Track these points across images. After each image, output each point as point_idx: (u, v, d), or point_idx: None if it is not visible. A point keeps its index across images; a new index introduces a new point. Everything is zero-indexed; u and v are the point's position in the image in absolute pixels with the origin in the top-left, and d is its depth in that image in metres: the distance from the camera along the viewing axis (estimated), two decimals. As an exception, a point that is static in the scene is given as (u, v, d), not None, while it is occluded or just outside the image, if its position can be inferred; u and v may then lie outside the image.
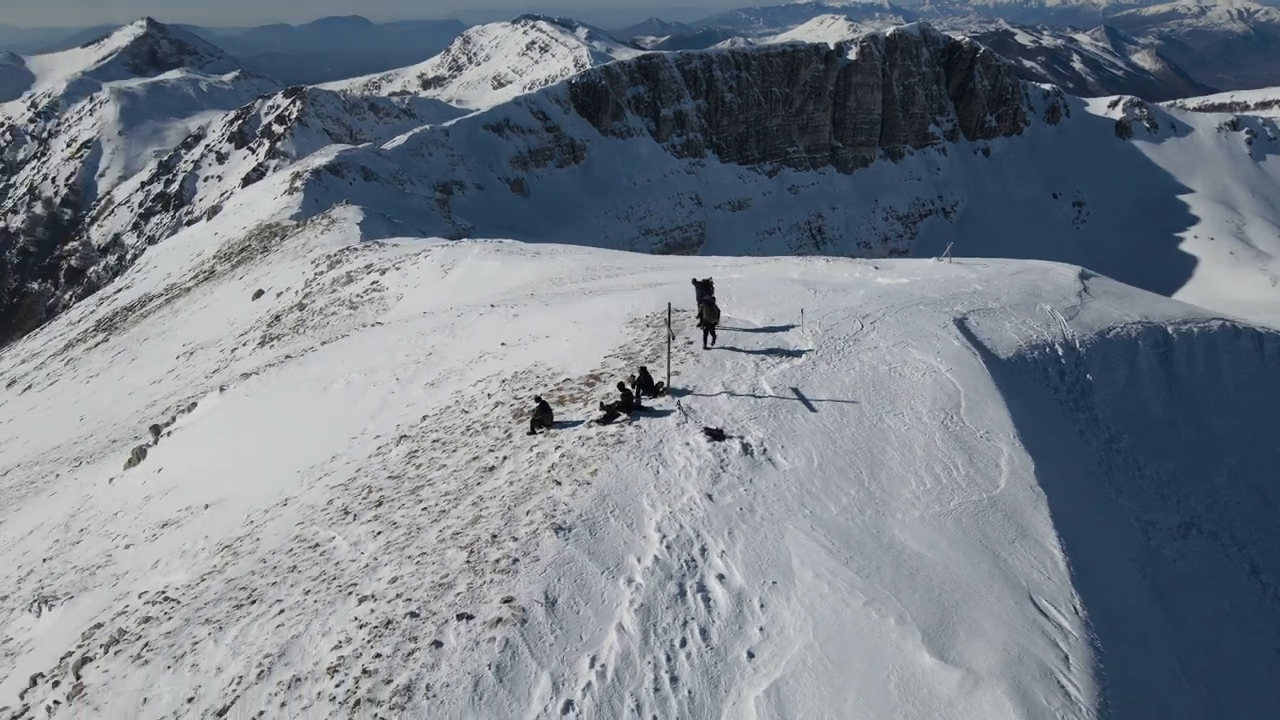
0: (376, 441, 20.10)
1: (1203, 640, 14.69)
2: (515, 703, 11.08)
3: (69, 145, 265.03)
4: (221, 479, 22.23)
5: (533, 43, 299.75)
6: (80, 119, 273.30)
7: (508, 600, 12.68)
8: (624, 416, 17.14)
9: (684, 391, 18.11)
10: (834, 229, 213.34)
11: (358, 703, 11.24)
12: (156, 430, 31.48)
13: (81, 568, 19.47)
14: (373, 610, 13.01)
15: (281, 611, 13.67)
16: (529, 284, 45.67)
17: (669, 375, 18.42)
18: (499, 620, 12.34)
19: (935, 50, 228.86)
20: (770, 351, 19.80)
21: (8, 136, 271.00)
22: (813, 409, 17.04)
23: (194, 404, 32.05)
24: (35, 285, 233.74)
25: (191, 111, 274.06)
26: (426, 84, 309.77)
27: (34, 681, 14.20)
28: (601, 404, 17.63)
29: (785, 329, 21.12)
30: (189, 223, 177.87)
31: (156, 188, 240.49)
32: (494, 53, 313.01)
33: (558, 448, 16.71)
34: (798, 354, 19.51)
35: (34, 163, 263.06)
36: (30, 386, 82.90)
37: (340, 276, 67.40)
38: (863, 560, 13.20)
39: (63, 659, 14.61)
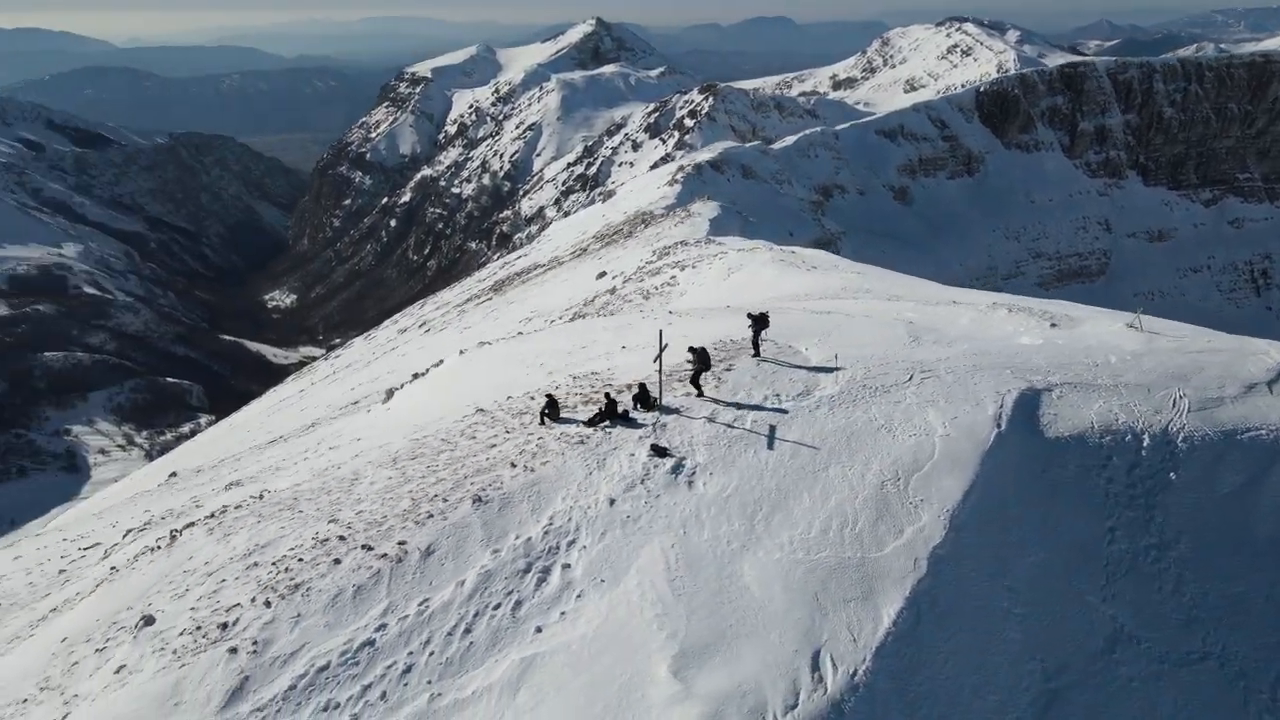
0: (465, 410, 23.31)
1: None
2: (353, 616, 14.01)
3: (518, 127, 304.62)
4: (396, 421, 25.73)
5: (954, 46, 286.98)
6: (530, 105, 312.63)
7: (401, 543, 15.55)
8: (607, 422, 19.04)
9: (673, 411, 19.36)
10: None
11: (267, 587, 15.03)
12: (415, 376, 36.71)
13: (274, 466, 24.20)
14: (330, 530, 16.71)
15: (293, 519, 17.86)
16: (795, 294, 45.15)
17: (660, 394, 19.80)
18: (384, 555, 15.29)
19: None
20: (788, 388, 20.13)
21: (473, 117, 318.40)
22: (770, 447, 17.66)
23: (440, 361, 36.55)
24: (473, 245, 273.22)
25: (618, 103, 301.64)
26: (837, 85, 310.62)
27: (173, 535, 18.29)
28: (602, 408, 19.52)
29: (829, 370, 21.21)
30: (593, 203, 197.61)
31: (579, 169, 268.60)
32: (911, 55, 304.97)
33: (541, 438, 19.04)
34: (809, 394, 19.71)
35: (489, 140, 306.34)
36: (429, 330, 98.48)
37: (655, 267, 71.47)
38: (690, 583, 14.25)
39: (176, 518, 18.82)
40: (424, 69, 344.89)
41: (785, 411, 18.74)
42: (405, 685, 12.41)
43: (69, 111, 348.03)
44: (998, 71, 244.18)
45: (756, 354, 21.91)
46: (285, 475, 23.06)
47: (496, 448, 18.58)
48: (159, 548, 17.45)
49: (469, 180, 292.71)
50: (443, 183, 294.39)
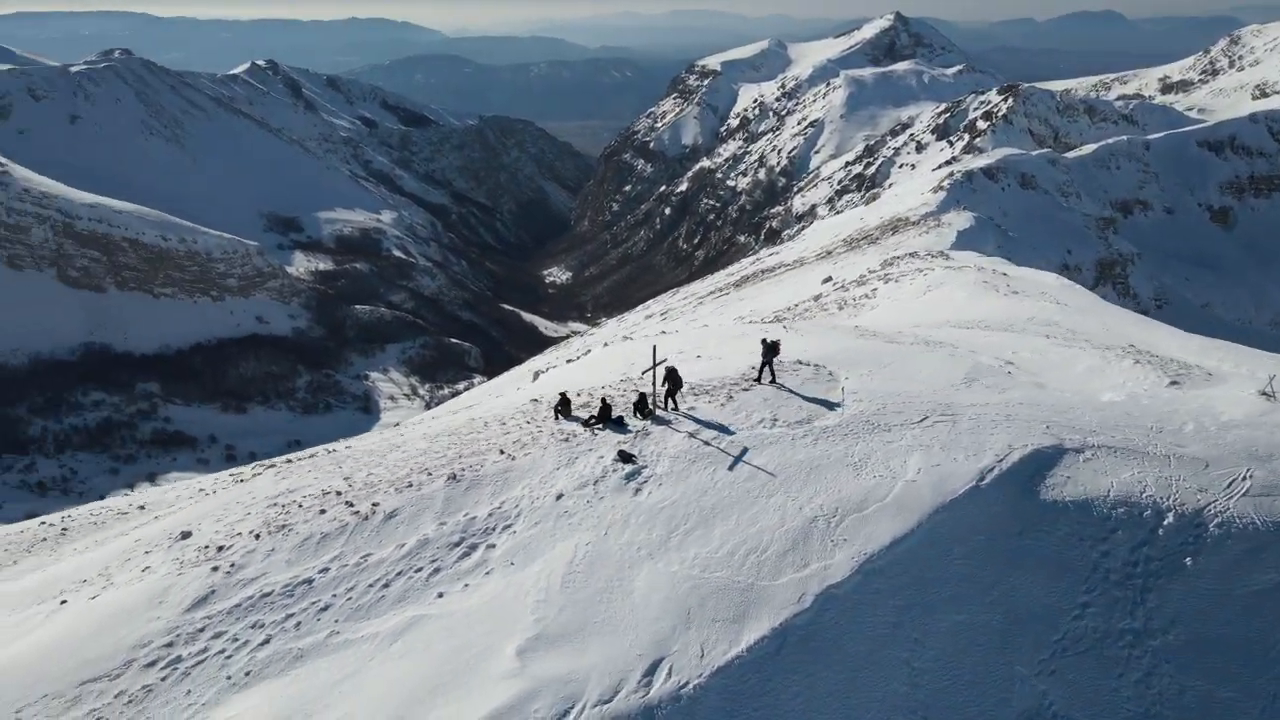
0: (524, 400, 26.42)
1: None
2: (310, 558, 16.79)
3: (799, 123, 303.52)
4: (494, 402, 29.06)
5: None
6: (814, 100, 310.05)
7: (375, 505, 18.14)
8: (600, 424, 20.45)
9: (663, 422, 20.41)
10: None
11: (266, 523, 18.43)
12: (569, 360, 39.91)
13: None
14: (337, 485, 19.79)
15: (326, 472, 21.53)
16: (980, 319, 43.53)
17: (653, 404, 21.06)
18: (357, 513, 17.87)
19: None
20: (790, 415, 20.48)
21: (755, 111, 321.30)
22: (730, 468, 18.25)
23: (589, 350, 39.35)
24: (742, 238, 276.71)
25: (908, 101, 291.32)
26: (1167, 89, 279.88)
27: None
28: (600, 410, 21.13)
29: (841, 403, 21.31)
30: (868, 203, 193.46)
31: (856, 169, 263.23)
32: (1265, 57, 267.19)
33: (540, 430, 20.84)
34: (807, 423, 19.95)
35: (769, 135, 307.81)
36: (665, 318, 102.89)
37: (869, 277, 70.58)
38: (583, 579, 15.42)
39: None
40: (714, 62, 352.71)
41: (767, 436, 19.20)
42: (318, 620, 14.89)
43: (400, 94, 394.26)
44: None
45: (766, 378, 22.46)
46: (386, 438, 26.80)
47: (507, 435, 20.72)
48: (240, 481, 21.51)
49: (744, 174, 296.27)
50: (719, 175, 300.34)
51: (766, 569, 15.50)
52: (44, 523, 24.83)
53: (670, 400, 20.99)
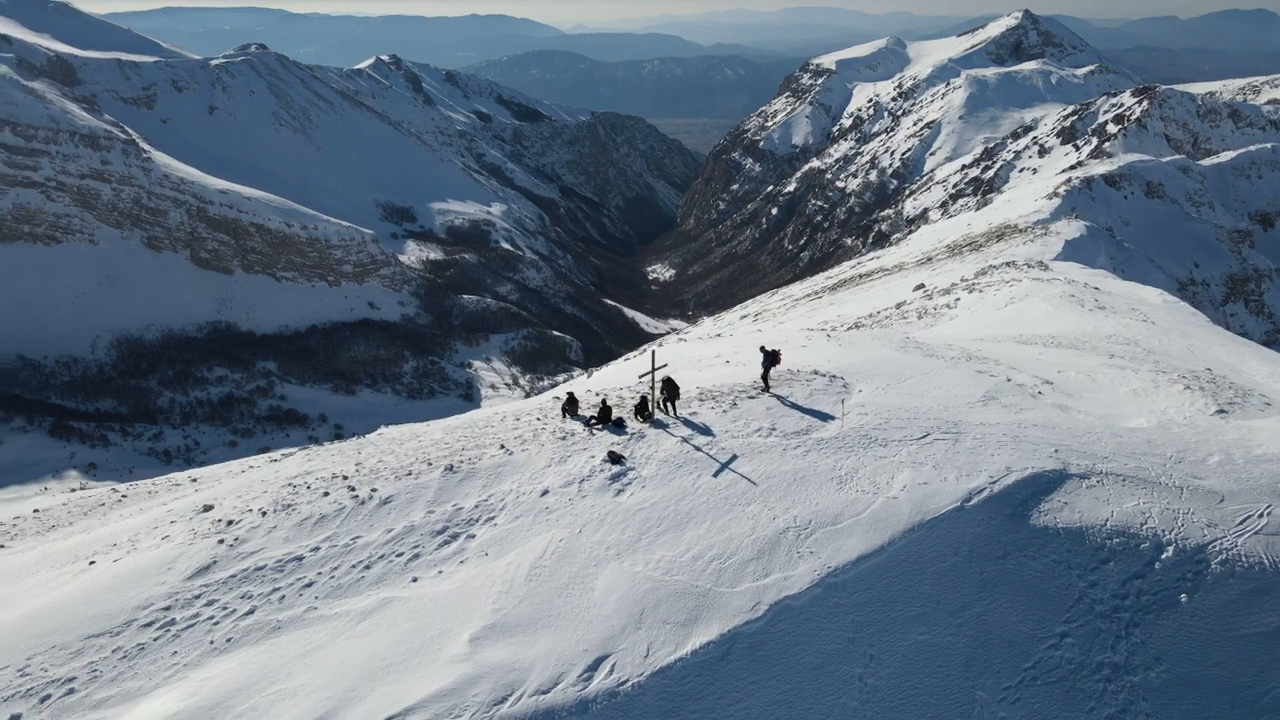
0: (553, 396, 27.34)
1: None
2: (305, 537, 17.92)
3: (915, 124, 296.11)
4: (536, 398, 30.21)
5: None
6: (932, 101, 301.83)
7: (374, 490, 19.18)
8: (599, 424, 21.02)
9: (661, 425, 20.79)
10: None
11: (275, 502, 19.79)
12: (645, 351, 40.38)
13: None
14: (347, 469, 21.01)
15: (346, 455, 22.93)
16: (1052, 335, 42.40)
17: (653, 408, 21.49)
18: (356, 496, 18.98)
19: None
20: (789, 425, 20.54)
21: (870, 111, 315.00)
22: (715, 475, 18.47)
23: (661, 344, 40.09)
24: (849, 241, 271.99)
25: (1033, 103, 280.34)
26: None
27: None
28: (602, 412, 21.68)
29: (844, 415, 21.17)
30: (979, 208, 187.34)
31: (973, 172, 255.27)
32: None
33: (543, 428, 21.49)
34: (804, 434, 19.97)
35: (882, 136, 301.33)
36: (757, 319, 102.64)
37: (956, 286, 69.04)
38: (548, 574, 15.95)
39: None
40: (829, 61, 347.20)
41: (760, 445, 19.29)
42: (300, 595, 15.88)
43: (515, 89, 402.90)
44: None
45: (766, 389, 22.61)
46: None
47: (514, 430, 21.44)
48: (273, 461, 22.97)
49: (855, 175, 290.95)
50: (828, 175, 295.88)
51: (727, 576, 15.69)
52: (114, 490, 27.03)
53: (670, 406, 21.32)
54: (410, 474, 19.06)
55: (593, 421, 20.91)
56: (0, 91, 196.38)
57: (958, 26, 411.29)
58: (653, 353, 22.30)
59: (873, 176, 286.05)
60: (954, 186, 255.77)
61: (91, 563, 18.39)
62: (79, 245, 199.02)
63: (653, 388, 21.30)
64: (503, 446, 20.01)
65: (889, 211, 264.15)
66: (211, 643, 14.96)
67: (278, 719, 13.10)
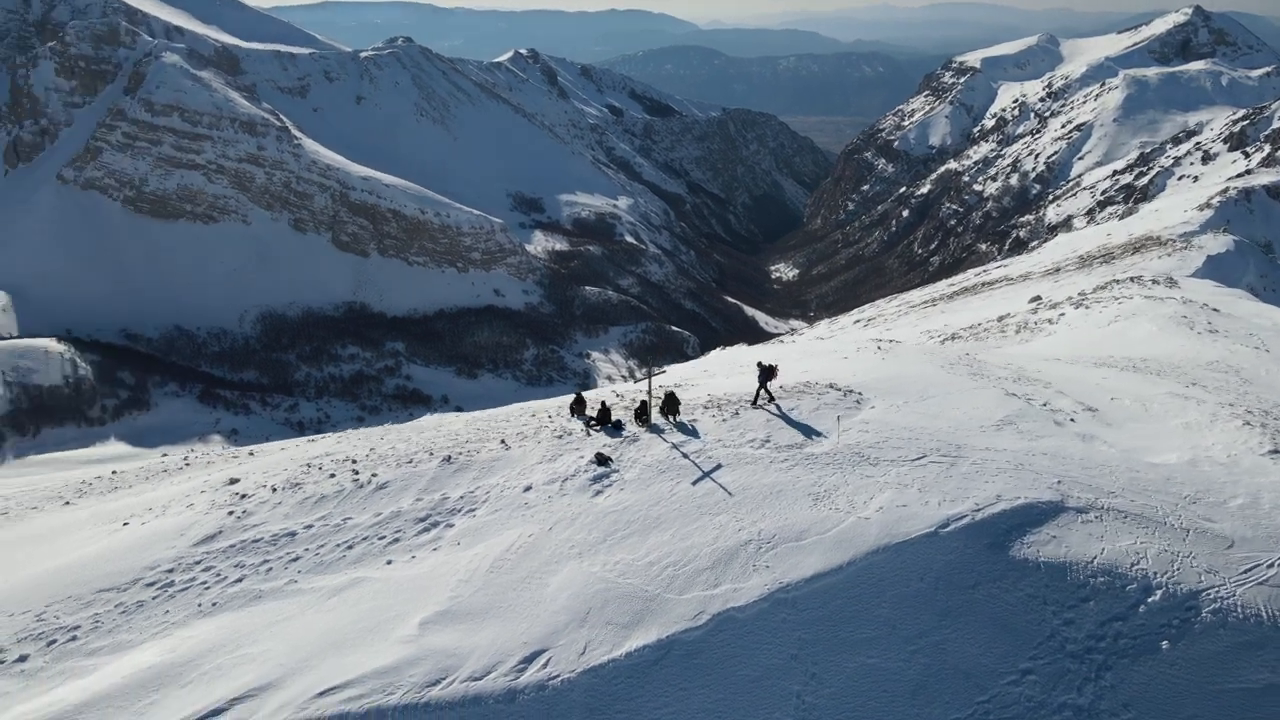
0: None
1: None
2: (303, 515, 19.14)
3: (1063, 126, 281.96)
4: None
5: None
6: (1084, 102, 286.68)
7: (374, 475, 20.28)
8: (597, 426, 21.56)
9: (657, 429, 21.15)
10: None
11: (287, 481, 21.06)
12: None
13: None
14: (358, 454, 22.20)
15: (365, 441, 24.20)
16: (1142, 357, 40.29)
17: (650, 414, 21.76)
18: (356, 480, 20.09)
19: None
20: (783, 438, 20.52)
21: (1015, 112, 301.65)
22: (695, 483, 18.67)
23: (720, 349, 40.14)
24: (983, 247, 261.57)
25: (1198, 106, 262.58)
26: None
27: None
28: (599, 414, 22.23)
29: (841, 431, 21.05)
30: (1123, 217, 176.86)
31: (1125, 178, 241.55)
32: None
33: (546, 426, 22.18)
34: (796, 448, 19.90)
35: (1027, 138, 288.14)
36: (867, 325, 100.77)
37: (1065, 300, 66.50)
38: (510, 567, 16.59)
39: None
40: (974, 58, 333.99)
41: (747, 456, 19.29)
42: (285, 569, 17.05)
43: (648, 83, 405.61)
44: None
45: (755, 402, 22.55)
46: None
47: (523, 426, 22.16)
48: (311, 441, 24.52)
49: (994, 178, 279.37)
50: (965, 178, 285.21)
51: (678, 583, 15.89)
52: (185, 459, 29.44)
53: (670, 415, 21.59)
54: (410, 462, 20.07)
55: (591, 422, 21.38)
56: (171, 80, 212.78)
57: (1119, 23, 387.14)
58: (649, 370, 22.73)
59: (1013, 180, 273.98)
60: (1102, 193, 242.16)
61: (125, 524, 20.26)
62: (234, 225, 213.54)
63: (648, 391, 21.61)
64: (503, 441, 20.77)
65: (1029, 217, 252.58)
66: (199, 605, 16.34)
67: (234, 679, 14.27)
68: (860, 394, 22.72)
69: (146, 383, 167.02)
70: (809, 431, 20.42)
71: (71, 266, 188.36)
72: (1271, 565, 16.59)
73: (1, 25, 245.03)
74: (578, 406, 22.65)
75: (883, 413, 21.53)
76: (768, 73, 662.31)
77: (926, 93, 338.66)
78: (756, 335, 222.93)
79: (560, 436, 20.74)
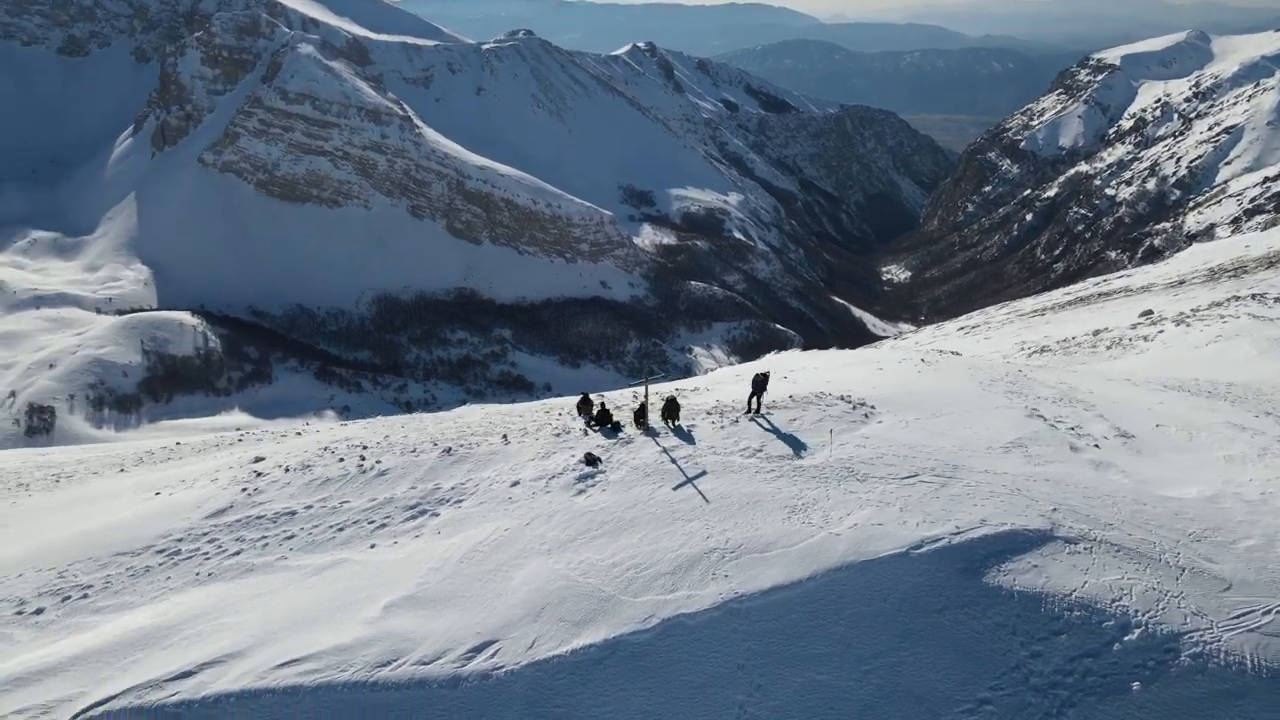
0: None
1: None
2: (307, 495, 20.14)
3: (1210, 129, 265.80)
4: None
5: None
6: (1235, 104, 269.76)
7: (378, 462, 21.23)
8: (595, 426, 21.99)
9: (653, 432, 21.39)
10: None
11: (301, 462, 22.33)
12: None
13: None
14: (373, 440, 22.97)
15: (383, 428, 25.45)
16: (1229, 381, 38.53)
17: (647, 417, 21.95)
18: (361, 465, 21.12)
19: None
20: (776, 449, 20.43)
21: (1156, 113, 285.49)
22: (676, 489, 18.81)
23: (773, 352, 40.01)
24: (1113, 254, 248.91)
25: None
26: None
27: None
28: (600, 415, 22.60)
29: (836, 445, 20.83)
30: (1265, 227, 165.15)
31: (1277, 186, 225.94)
32: None
33: (547, 424, 22.73)
34: (787, 460, 19.82)
35: (1168, 141, 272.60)
36: (967, 333, 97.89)
37: (1170, 316, 63.40)
38: (481, 558, 17.15)
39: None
40: (1113, 55, 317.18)
41: (734, 465, 19.26)
42: (280, 545, 18.07)
43: (765, 79, 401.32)
44: None
45: (749, 412, 22.49)
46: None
47: (529, 422, 22.70)
48: (343, 425, 25.68)
49: (1129, 183, 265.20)
50: (1097, 181, 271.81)
51: (636, 585, 16.10)
52: (240, 433, 31.35)
53: (670, 419, 21.76)
54: (414, 451, 20.89)
55: (591, 423, 21.73)
56: (305, 69, 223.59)
57: (1278, 20, 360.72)
58: (645, 374, 22.88)
59: (1150, 185, 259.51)
60: (1251, 201, 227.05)
61: (157, 494, 21.85)
62: (356, 210, 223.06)
63: (645, 396, 21.83)
64: (504, 436, 21.38)
65: (1166, 225, 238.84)
66: (197, 574, 17.57)
67: (209, 645, 15.33)
68: (872, 407, 22.33)
69: (269, 357, 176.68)
70: (804, 444, 20.23)
71: (207, 244, 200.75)
72: (1269, 613, 15.57)
73: (154, 15, 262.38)
74: (584, 406, 23.03)
75: (887, 428, 21.11)
76: (890, 68, 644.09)
77: (1059, 91, 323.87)
78: (863, 337, 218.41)
79: (558, 435, 21.18)
